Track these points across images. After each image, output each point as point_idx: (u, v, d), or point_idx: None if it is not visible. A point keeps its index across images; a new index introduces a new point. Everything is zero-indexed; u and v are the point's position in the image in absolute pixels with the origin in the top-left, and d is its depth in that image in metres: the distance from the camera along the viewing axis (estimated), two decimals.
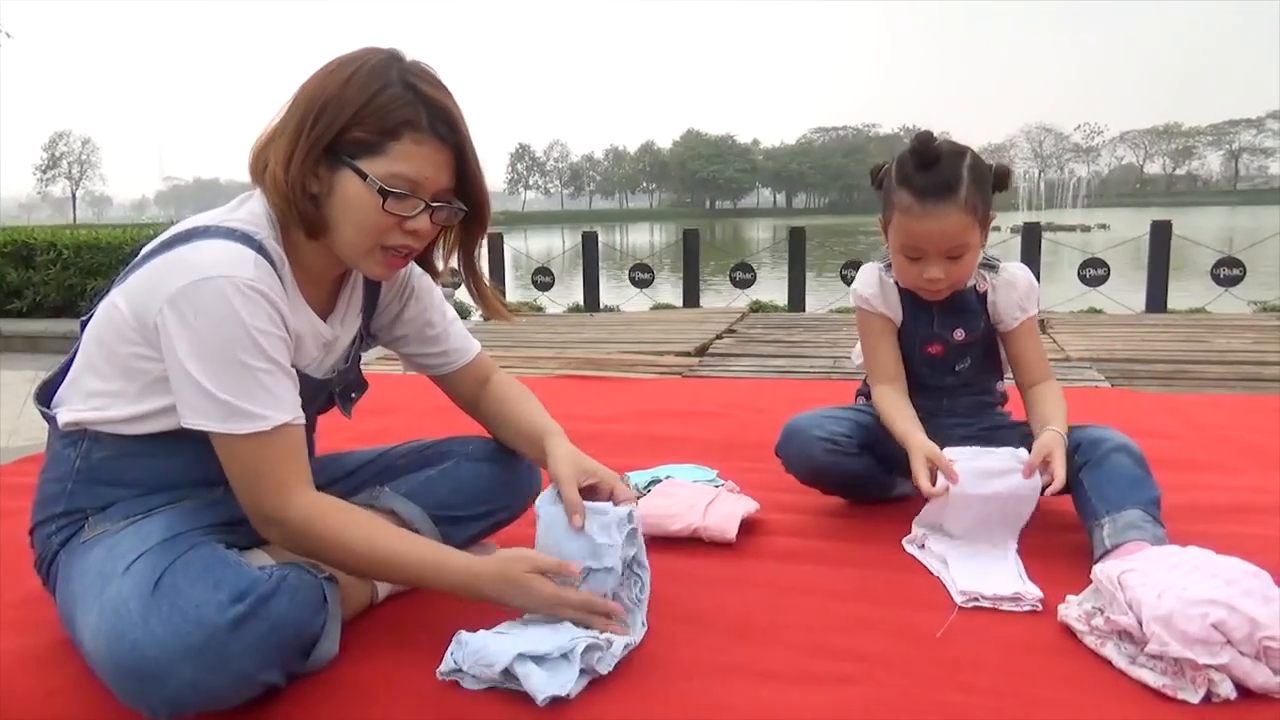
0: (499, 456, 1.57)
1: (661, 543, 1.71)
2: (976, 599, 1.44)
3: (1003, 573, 1.52)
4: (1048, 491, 1.58)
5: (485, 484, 1.54)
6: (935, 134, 1.69)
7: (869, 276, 1.87)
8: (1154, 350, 4.52)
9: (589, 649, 1.18)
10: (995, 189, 1.71)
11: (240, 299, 1.15)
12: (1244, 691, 1.14)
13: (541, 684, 1.13)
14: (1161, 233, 7.60)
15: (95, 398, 1.26)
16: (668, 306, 8.80)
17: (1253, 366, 3.99)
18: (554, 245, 22.59)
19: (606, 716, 1.14)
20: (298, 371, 1.29)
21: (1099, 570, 1.33)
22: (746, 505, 1.81)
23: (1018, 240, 7.99)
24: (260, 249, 1.20)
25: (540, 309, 8.84)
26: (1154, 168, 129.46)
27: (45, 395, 1.36)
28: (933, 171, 1.65)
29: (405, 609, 1.43)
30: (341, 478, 1.57)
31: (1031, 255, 7.77)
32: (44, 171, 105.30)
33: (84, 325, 1.30)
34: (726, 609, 1.44)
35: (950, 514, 1.61)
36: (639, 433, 2.68)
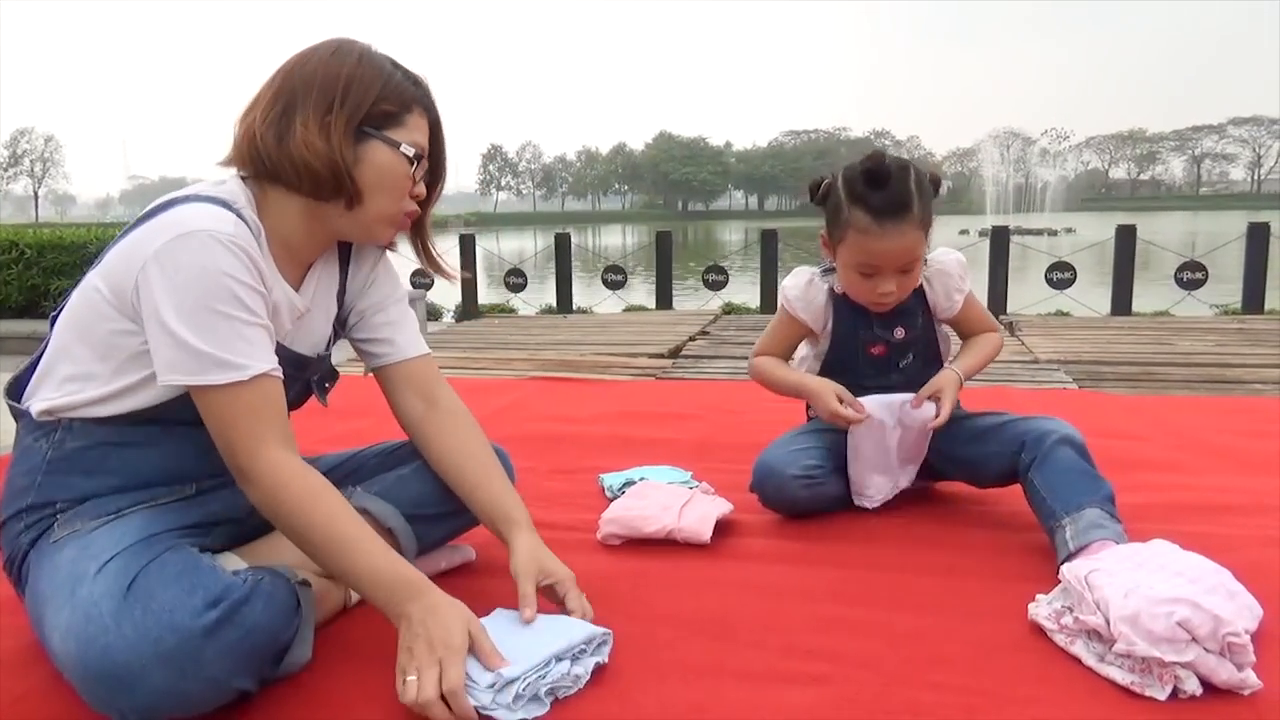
0: None
1: (637, 545, 1.72)
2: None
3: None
4: (930, 424, 1.76)
5: None
6: (885, 150, 1.75)
7: (799, 280, 1.91)
8: (1120, 352, 4.58)
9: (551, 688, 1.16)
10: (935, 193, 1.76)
11: (222, 250, 1.16)
12: (1209, 687, 1.15)
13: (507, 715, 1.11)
14: (1126, 237, 7.73)
15: (70, 383, 1.25)
16: (640, 308, 8.82)
17: (1215, 369, 4.06)
18: (526, 247, 22.54)
19: (582, 718, 1.14)
20: (276, 344, 1.29)
21: (1067, 570, 1.35)
22: (720, 507, 1.81)
23: (986, 243, 8.09)
24: (239, 214, 1.23)
25: (513, 310, 8.82)
26: (1119, 173, 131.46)
27: (15, 391, 1.34)
28: (886, 191, 1.67)
29: (377, 613, 1.42)
30: None
31: (1000, 258, 7.88)
32: (5, 169, 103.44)
33: (54, 321, 1.29)
34: (702, 610, 1.44)
35: (862, 438, 1.79)
36: (613, 434, 2.68)
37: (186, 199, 1.22)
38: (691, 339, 5.52)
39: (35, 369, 1.31)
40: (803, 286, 1.89)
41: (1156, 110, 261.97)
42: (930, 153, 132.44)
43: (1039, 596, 1.39)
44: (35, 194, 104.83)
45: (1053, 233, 27.89)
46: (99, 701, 1.06)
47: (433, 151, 1.40)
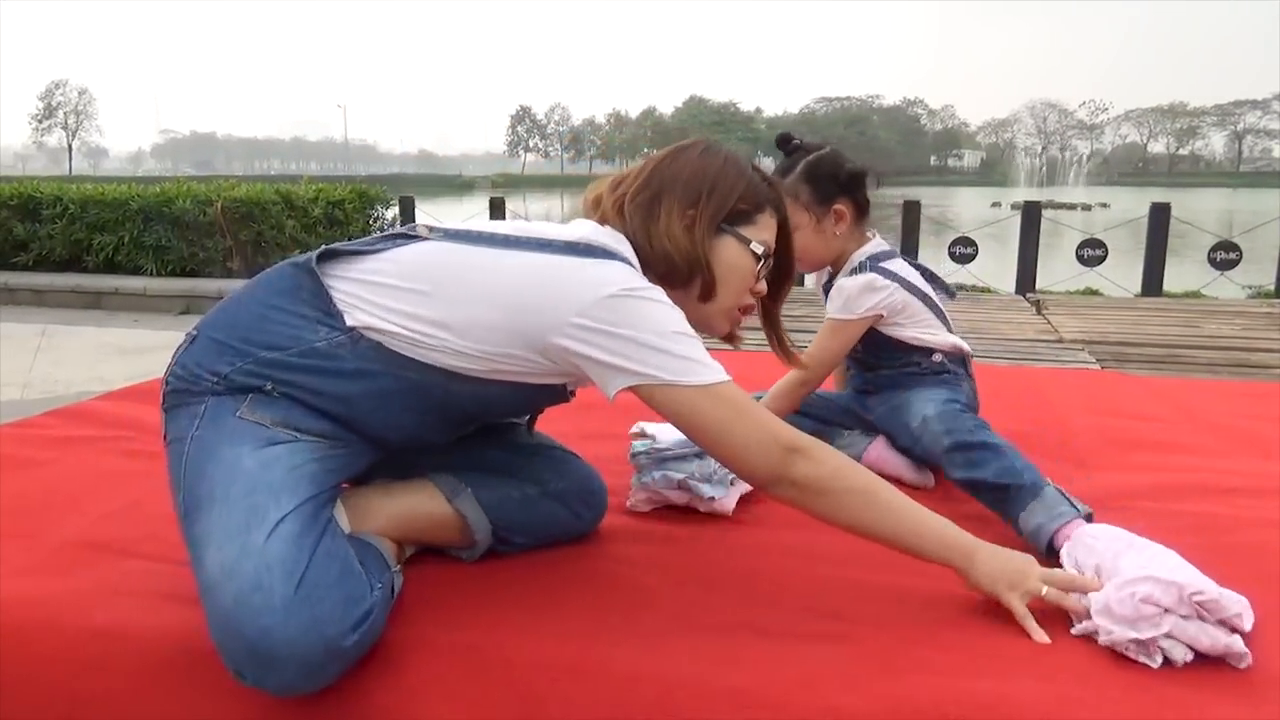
0: (576, 503, 1.60)
1: (665, 511, 1.80)
2: None
3: None
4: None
5: (549, 524, 1.57)
6: (795, 134, 2.09)
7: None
8: (1146, 334, 4.61)
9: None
10: (850, 184, 1.98)
11: (653, 303, 1.26)
12: (1203, 656, 1.20)
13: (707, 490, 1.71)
14: (1160, 215, 7.66)
15: (414, 322, 1.27)
16: None
17: (1241, 353, 4.09)
18: (553, 209, 22.53)
19: (614, 664, 1.24)
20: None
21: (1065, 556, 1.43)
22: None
23: (1017, 218, 8.04)
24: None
25: None
26: (1157, 147, 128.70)
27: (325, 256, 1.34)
28: (786, 159, 2.01)
29: (430, 574, 1.50)
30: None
31: (1030, 233, 7.84)
32: (40, 121, 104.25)
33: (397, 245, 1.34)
34: (727, 571, 1.53)
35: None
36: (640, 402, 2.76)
37: (605, 252, 1.29)
38: None
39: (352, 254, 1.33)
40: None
41: (1199, 83, 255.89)
42: (965, 123, 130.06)
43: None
44: (69, 146, 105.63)
45: (1086, 207, 27.48)
46: (232, 659, 1.12)
47: (780, 249, 1.50)
